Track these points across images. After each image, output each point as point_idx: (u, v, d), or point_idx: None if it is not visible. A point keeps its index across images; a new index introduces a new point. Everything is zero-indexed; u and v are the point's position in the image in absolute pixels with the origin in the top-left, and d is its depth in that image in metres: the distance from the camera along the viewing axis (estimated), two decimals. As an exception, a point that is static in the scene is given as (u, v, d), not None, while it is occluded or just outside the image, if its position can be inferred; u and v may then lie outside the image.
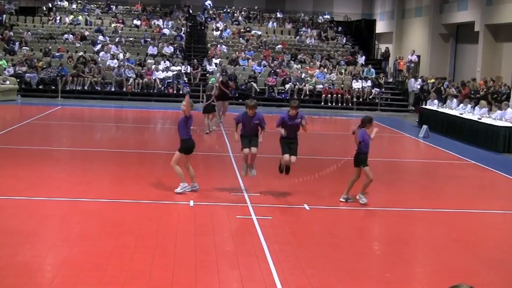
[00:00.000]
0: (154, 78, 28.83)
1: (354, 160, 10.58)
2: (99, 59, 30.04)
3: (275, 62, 31.22)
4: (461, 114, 20.70)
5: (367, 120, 10.56)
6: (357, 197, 10.54)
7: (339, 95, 29.11)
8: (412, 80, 30.73)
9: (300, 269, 7.44)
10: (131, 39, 32.97)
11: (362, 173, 10.47)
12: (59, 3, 37.79)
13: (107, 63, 29.57)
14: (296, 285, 6.92)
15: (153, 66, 29.37)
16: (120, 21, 35.54)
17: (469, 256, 8.39)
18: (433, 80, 29.70)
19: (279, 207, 10.21)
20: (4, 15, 34.14)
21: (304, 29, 36.26)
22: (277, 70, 30.13)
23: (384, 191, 12.01)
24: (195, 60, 30.86)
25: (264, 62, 30.91)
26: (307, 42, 34.99)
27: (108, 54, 30.23)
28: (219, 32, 34.70)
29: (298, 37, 35.34)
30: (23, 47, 30.45)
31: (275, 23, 37.22)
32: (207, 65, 30.61)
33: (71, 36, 32.43)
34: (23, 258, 7.29)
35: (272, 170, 13.01)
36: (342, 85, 29.76)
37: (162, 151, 15.68)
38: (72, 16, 35.44)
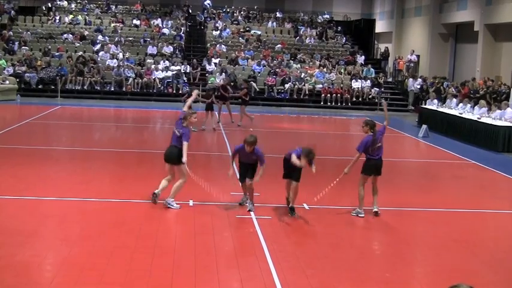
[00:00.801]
0: (153, 77, 28.83)
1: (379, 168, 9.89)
2: (98, 59, 30.03)
3: (274, 61, 31.22)
4: (461, 113, 20.71)
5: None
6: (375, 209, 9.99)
7: (339, 95, 29.11)
8: (411, 79, 30.74)
9: (299, 268, 7.44)
10: (131, 38, 32.97)
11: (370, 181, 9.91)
12: (58, 2, 37.79)
13: (107, 63, 29.56)
14: (296, 285, 6.92)
15: (153, 66, 29.36)
16: (120, 20, 35.55)
17: (469, 256, 8.39)
18: (431, 80, 29.71)
19: (279, 206, 10.20)
20: (12, 12, 34.30)
21: (303, 28, 36.22)
22: (277, 70, 30.13)
23: (383, 190, 11.99)
24: (195, 60, 30.86)
25: (263, 62, 30.91)
26: (307, 41, 34.99)
27: (108, 54, 30.22)
28: (218, 32, 34.71)
29: (298, 37, 35.33)
30: (23, 47, 30.45)
31: (274, 23, 37.23)
32: (207, 65, 30.62)
33: (70, 35, 32.43)
34: (22, 258, 7.29)
35: (271, 169, 13.00)
36: (342, 85, 29.76)
37: (161, 151, 15.65)
38: (71, 16, 35.45)
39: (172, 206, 9.66)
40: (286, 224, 9.23)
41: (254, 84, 28.79)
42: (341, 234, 8.99)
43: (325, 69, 30.84)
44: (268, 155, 13.26)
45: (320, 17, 39.99)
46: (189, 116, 9.94)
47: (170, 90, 28.73)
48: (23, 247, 7.66)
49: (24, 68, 28.25)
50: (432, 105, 23.59)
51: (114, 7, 38.80)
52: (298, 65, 31.31)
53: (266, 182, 11.86)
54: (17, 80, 27.15)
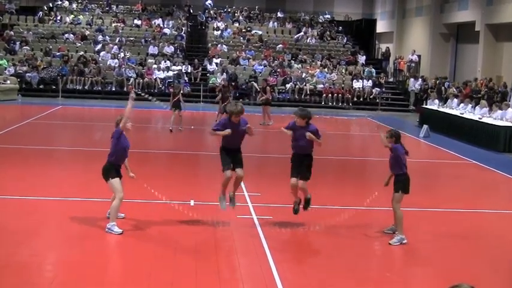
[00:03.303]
0: (154, 77, 28.84)
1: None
2: (99, 59, 30.05)
3: (276, 61, 31.22)
4: (462, 114, 20.70)
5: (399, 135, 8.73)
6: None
7: (340, 95, 29.10)
8: (412, 79, 30.76)
9: (300, 268, 7.44)
10: (132, 38, 32.98)
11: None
12: (59, 2, 37.81)
13: (108, 63, 29.57)
14: (296, 285, 6.91)
15: (154, 66, 29.37)
16: (121, 20, 35.56)
17: (469, 256, 8.39)
18: (433, 80, 29.72)
19: (280, 206, 10.18)
20: (40, 13, 34.61)
21: (304, 29, 36.16)
22: (278, 70, 30.13)
23: (384, 190, 11.98)
24: (196, 60, 30.87)
25: (264, 62, 30.91)
26: (308, 41, 34.98)
27: (109, 54, 30.24)
28: (219, 32, 34.70)
29: (296, 35, 35.28)
30: (24, 47, 30.47)
31: (276, 23, 37.22)
32: (208, 65, 30.63)
33: (71, 35, 32.45)
34: (22, 258, 7.28)
35: (272, 169, 13.01)
36: (343, 85, 29.76)
37: (162, 151, 15.68)
38: (72, 16, 35.47)
39: (112, 231, 8.29)
40: (287, 224, 9.21)
41: (255, 84, 28.79)
42: (341, 234, 8.98)
43: (326, 69, 30.83)
44: (268, 155, 13.29)
45: (321, 17, 39.98)
46: (120, 122, 8.71)
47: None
48: (22, 247, 7.66)
49: (25, 68, 28.27)
50: (433, 105, 23.58)
51: (115, 7, 38.81)
52: (299, 65, 31.31)
53: (266, 181, 11.88)
54: (18, 80, 27.17)
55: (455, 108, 22.12)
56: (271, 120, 21.57)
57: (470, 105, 21.66)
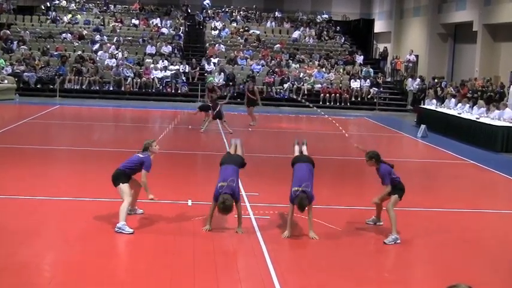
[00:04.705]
0: (152, 77, 28.83)
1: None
2: (97, 58, 30.02)
3: (273, 61, 31.23)
4: (460, 113, 20.73)
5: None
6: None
7: (337, 95, 29.12)
8: (410, 79, 30.81)
9: (299, 268, 7.45)
10: (129, 38, 32.95)
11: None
12: (57, 2, 37.77)
13: (105, 62, 29.55)
14: (295, 285, 6.92)
15: (152, 66, 29.35)
16: (119, 20, 35.54)
17: (468, 256, 8.40)
18: (430, 81, 29.79)
19: (278, 206, 10.18)
20: (51, 14, 34.44)
21: (301, 29, 36.18)
22: (276, 69, 30.14)
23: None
24: (194, 60, 30.86)
25: (262, 62, 30.92)
26: (306, 41, 34.98)
27: (107, 54, 30.21)
28: (217, 31, 34.71)
29: (294, 35, 35.31)
30: (21, 46, 30.43)
31: (273, 23, 37.24)
32: (206, 64, 30.63)
33: (69, 35, 32.42)
34: (21, 258, 7.28)
35: (271, 169, 13.02)
36: (340, 85, 29.78)
37: (161, 151, 15.65)
38: (70, 15, 35.44)
39: (123, 230, 8.40)
40: (285, 224, 9.20)
41: (253, 84, 28.77)
42: (340, 234, 8.98)
43: (324, 69, 30.85)
44: (267, 155, 13.31)
45: (319, 16, 40.00)
46: (150, 146, 9.26)
47: (169, 89, 28.73)
48: (22, 247, 7.65)
49: (22, 68, 28.23)
50: (431, 105, 23.61)
51: (112, 7, 38.80)
52: (297, 65, 31.32)
53: (265, 182, 11.88)
54: (16, 79, 27.11)
55: (453, 108, 22.16)
56: (254, 121, 21.12)
57: (468, 105, 21.70)
